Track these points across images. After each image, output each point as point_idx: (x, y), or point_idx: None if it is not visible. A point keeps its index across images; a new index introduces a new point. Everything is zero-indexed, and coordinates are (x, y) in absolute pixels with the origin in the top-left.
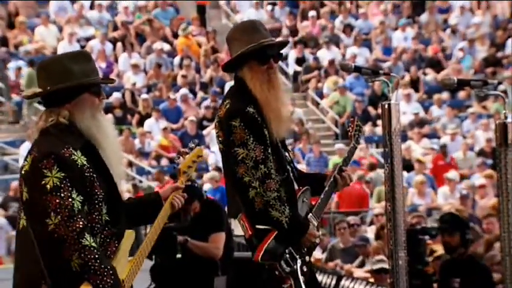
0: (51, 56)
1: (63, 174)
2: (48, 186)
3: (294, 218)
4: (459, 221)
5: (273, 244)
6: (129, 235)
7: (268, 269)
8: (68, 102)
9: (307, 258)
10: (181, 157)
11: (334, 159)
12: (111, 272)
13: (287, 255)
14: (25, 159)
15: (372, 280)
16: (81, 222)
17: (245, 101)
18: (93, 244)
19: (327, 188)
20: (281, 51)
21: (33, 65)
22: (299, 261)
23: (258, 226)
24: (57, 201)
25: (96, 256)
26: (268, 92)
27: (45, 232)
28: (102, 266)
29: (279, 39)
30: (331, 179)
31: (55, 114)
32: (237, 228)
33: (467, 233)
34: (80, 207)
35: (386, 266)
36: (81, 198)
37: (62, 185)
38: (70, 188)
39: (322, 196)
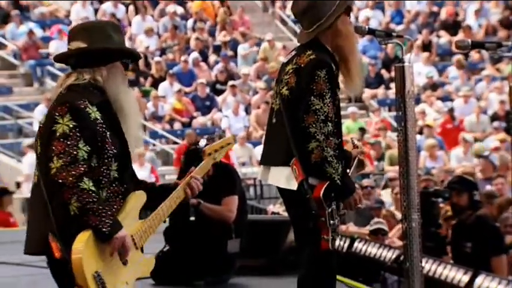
0: (92, 21)
1: (74, 124)
2: (57, 132)
3: (344, 177)
4: (468, 182)
5: (326, 191)
6: (140, 195)
7: (315, 215)
8: (104, 64)
9: (339, 223)
10: (207, 142)
11: (348, 123)
12: (109, 212)
13: (334, 207)
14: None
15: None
16: (82, 168)
17: (328, 56)
18: (92, 188)
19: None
20: None
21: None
22: (337, 221)
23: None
24: (63, 147)
25: (94, 199)
26: (355, 44)
27: (49, 177)
28: (100, 207)
29: None
30: (356, 161)
31: (88, 74)
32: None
33: (475, 194)
34: (85, 156)
35: (384, 227)
36: (88, 148)
37: (71, 134)
38: (78, 138)
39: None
